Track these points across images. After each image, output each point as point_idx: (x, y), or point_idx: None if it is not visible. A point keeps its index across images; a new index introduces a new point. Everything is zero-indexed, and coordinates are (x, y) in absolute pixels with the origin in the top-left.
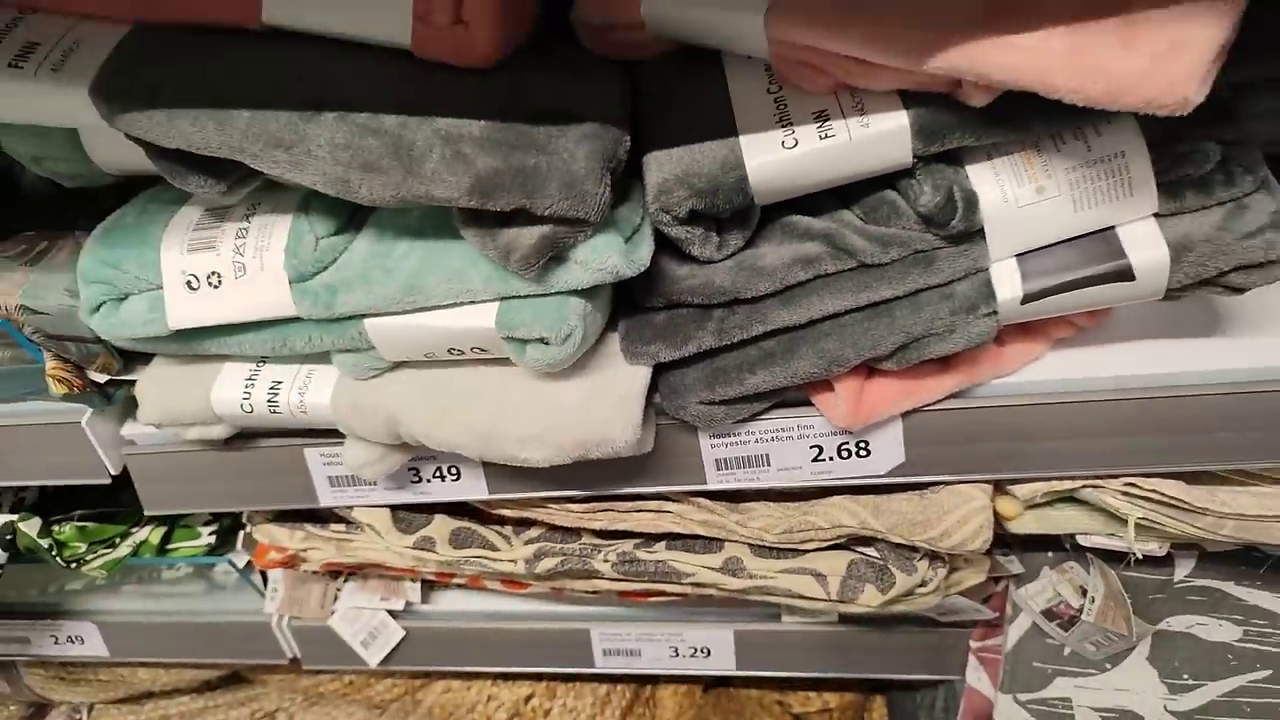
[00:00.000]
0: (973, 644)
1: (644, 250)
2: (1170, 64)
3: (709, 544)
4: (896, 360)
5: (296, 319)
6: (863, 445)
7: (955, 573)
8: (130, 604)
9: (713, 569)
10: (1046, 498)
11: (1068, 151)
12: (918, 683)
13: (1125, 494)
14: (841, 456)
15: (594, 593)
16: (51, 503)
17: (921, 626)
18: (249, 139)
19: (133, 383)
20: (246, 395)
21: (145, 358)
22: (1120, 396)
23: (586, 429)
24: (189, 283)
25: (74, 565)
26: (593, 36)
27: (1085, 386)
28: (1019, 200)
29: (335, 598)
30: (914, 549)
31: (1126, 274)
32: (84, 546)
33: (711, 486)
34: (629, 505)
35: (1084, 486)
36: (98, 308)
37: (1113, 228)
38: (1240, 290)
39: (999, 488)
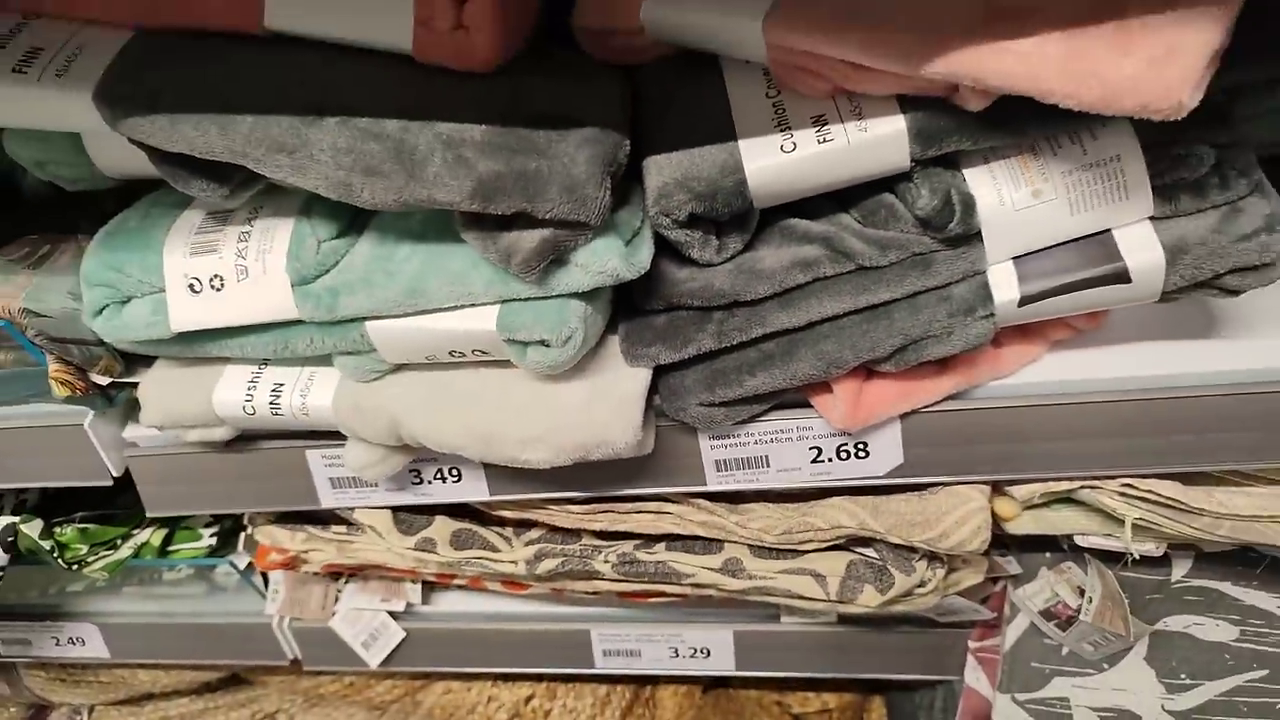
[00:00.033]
0: (971, 644)
1: (644, 253)
2: (1165, 69)
3: (709, 545)
4: (895, 362)
5: (298, 321)
6: (861, 446)
7: (954, 573)
8: (131, 605)
9: (712, 570)
10: (1044, 498)
11: (1064, 155)
12: (916, 683)
13: (1122, 495)
14: (840, 458)
15: (594, 593)
16: (53, 504)
17: (920, 627)
18: (252, 143)
19: (135, 385)
20: (249, 397)
21: (147, 360)
22: (1117, 398)
23: (587, 431)
24: (191, 286)
25: (75, 567)
26: (592, 41)
27: (1082, 388)
28: (1016, 203)
29: (336, 599)
30: (913, 550)
31: (1123, 276)
32: (85, 548)
33: (711, 488)
34: (629, 506)
35: (1081, 487)
36: (101, 310)
37: (1109, 231)
38: (1236, 292)
39: (997, 489)
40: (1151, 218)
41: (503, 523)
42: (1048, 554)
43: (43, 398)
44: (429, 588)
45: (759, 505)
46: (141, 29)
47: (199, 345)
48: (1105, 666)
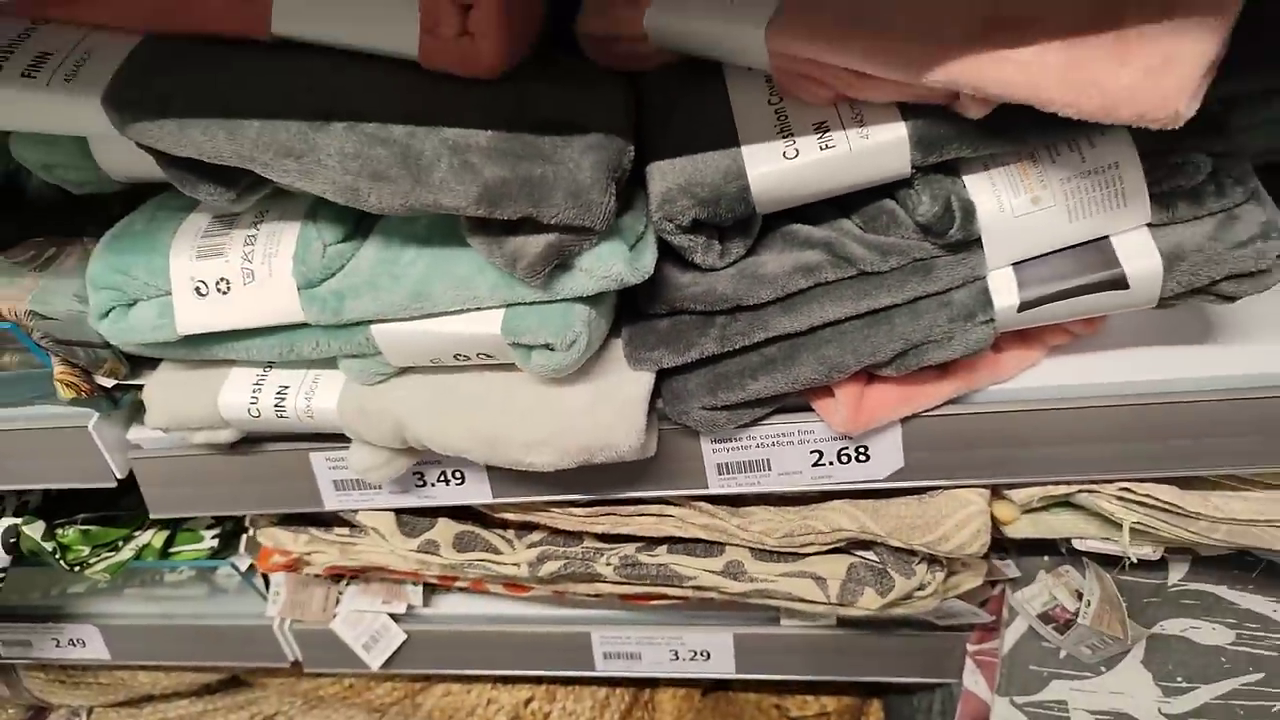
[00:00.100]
0: (970, 647)
1: (648, 258)
2: (1162, 79)
3: (710, 547)
4: (896, 367)
5: (304, 325)
6: (862, 450)
7: (953, 576)
8: (132, 607)
9: (714, 572)
10: (1043, 502)
11: (1062, 163)
12: (915, 686)
13: (1120, 499)
14: (841, 461)
15: (595, 596)
16: (54, 506)
17: (919, 630)
18: (259, 148)
19: (139, 387)
20: (254, 400)
21: (151, 362)
22: (1115, 403)
23: (591, 434)
24: (198, 289)
25: (77, 568)
26: (596, 48)
27: (1081, 393)
28: (1015, 210)
29: (337, 601)
30: (913, 553)
31: (1121, 282)
32: (87, 550)
33: (713, 491)
34: (631, 509)
35: (1079, 491)
36: (107, 313)
37: (1107, 237)
38: (1232, 299)
39: (996, 492)
40: (1149, 225)
41: (505, 525)
42: (1046, 558)
43: (47, 399)
44: (430, 590)
45: (760, 508)
46: (149, 34)
47: (204, 348)
48: (1103, 670)
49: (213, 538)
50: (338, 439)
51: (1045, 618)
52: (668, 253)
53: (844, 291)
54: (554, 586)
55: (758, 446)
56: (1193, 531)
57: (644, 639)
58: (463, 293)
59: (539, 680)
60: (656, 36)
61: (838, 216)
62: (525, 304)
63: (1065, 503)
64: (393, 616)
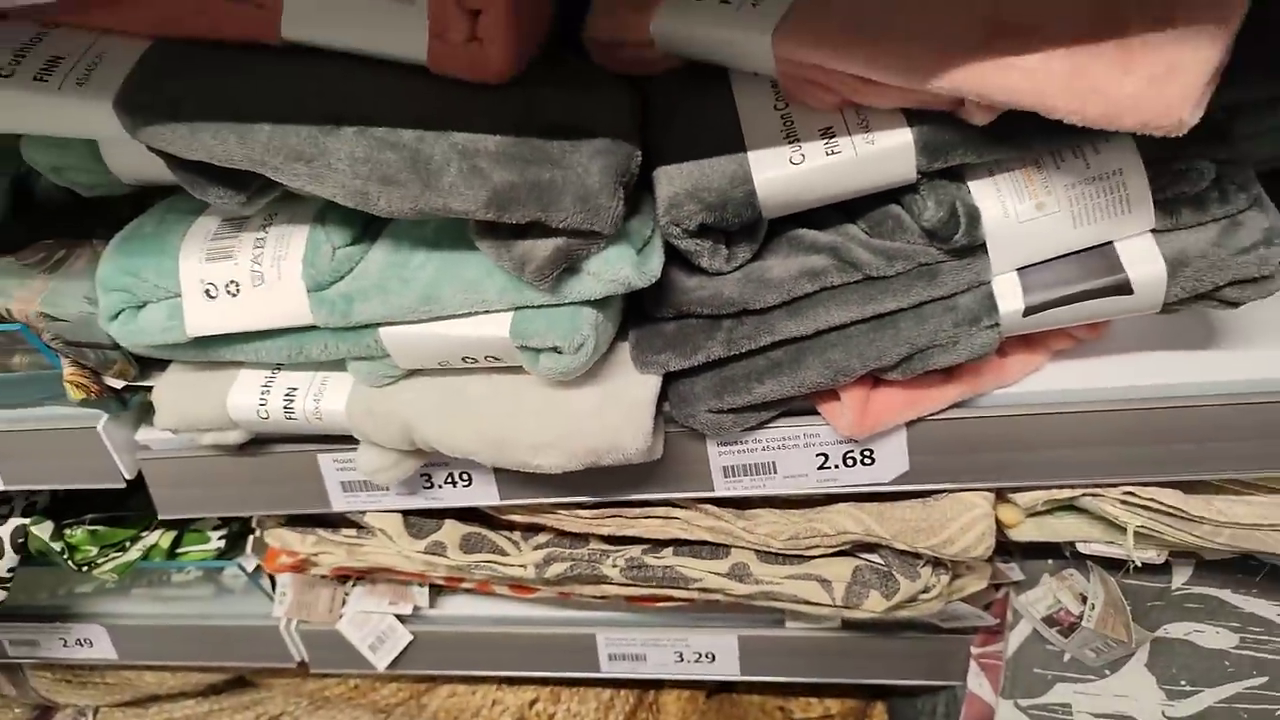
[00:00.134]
0: (974, 650)
1: (654, 262)
2: (1166, 87)
3: (716, 550)
4: (901, 371)
5: (313, 327)
6: (867, 454)
7: (957, 579)
8: (139, 607)
9: (720, 574)
10: (1047, 506)
11: (1067, 169)
12: (918, 689)
13: (1124, 502)
14: (847, 464)
15: (601, 597)
16: (62, 507)
17: (923, 632)
18: (270, 152)
19: (148, 388)
20: (263, 402)
21: (160, 364)
22: (1119, 407)
23: (598, 436)
24: (207, 291)
25: (85, 569)
26: (603, 53)
27: (1085, 397)
28: (1020, 216)
29: (343, 602)
30: (918, 556)
31: (1125, 288)
32: (95, 550)
33: (719, 493)
34: (637, 511)
35: (1084, 495)
36: (117, 315)
37: (1111, 243)
38: (1235, 304)
39: (1001, 496)
40: (1153, 231)
41: (511, 527)
42: (1050, 561)
43: (57, 400)
44: (436, 591)
45: (765, 511)
46: (160, 38)
47: (214, 350)
48: (1107, 673)
49: (220, 539)
50: (345, 440)
51: (1049, 621)
52: (674, 257)
53: (849, 296)
54: (560, 588)
55: (763, 449)
56: (1196, 535)
57: (649, 641)
58: (471, 296)
59: (544, 681)
60: (663, 42)
61: (843, 221)
62: (533, 307)
63: (1069, 506)
64: (399, 617)
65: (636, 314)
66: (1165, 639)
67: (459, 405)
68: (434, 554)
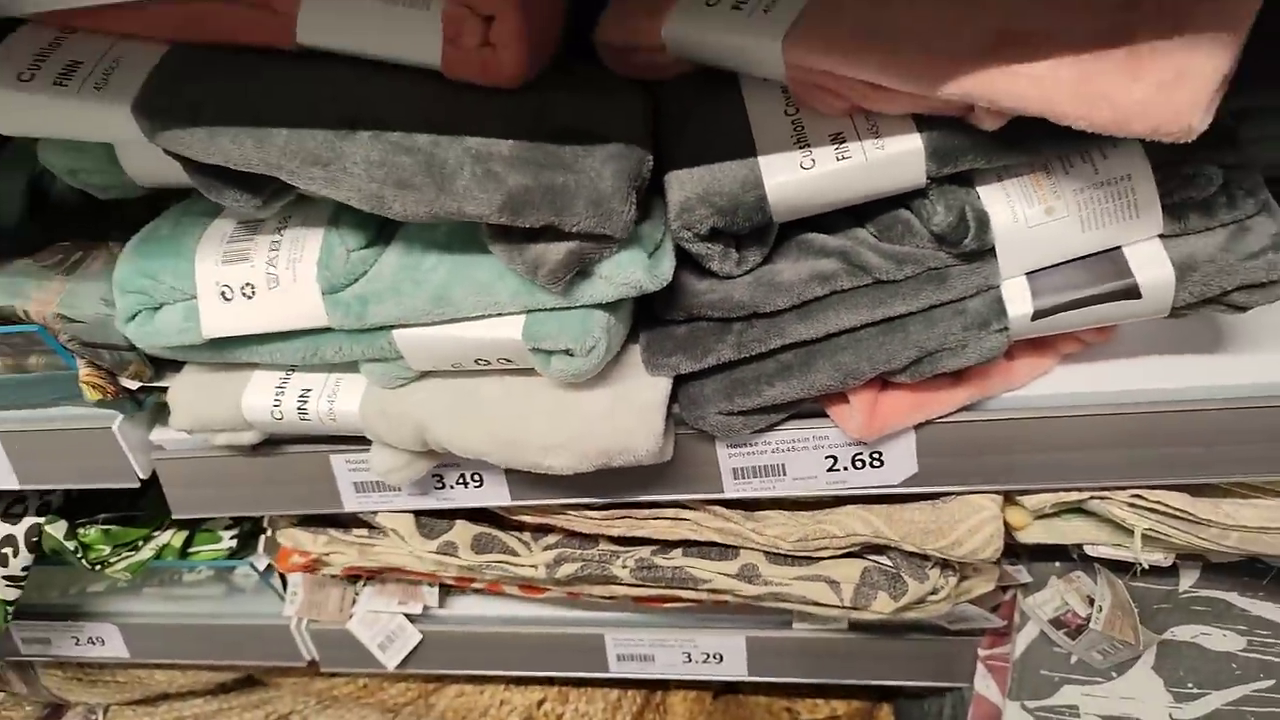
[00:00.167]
0: (981, 652)
1: (666, 265)
2: (1175, 93)
3: (725, 551)
4: (910, 374)
5: (328, 329)
6: (876, 456)
7: (965, 581)
8: (151, 606)
9: (729, 575)
10: (1055, 508)
11: (1075, 174)
12: (925, 690)
13: (1131, 505)
14: (855, 467)
15: (610, 598)
16: (76, 506)
17: (930, 634)
18: (287, 156)
19: (163, 389)
20: (277, 403)
21: (175, 365)
22: (1126, 410)
23: (610, 438)
24: (223, 293)
25: (98, 567)
26: (614, 58)
27: (1092, 400)
28: (1029, 220)
29: (353, 601)
30: (926, 557)
31: (1133, 292)
32: (108, 549)
33: (728, 495)
34: (646, 512)
35: (1091, 498)
36: (133, 317)
37: (1119, 248)
38: (1243, 309)
39: (1008, 498)
40: (1161, 235)
41: (521, 527)
42: (1057, 563)
43: (72, 401)
44: (445, 591)
45: (774, 512)
46: (177, 43)
47: (229, 351)
48: (1114, 675)
49: (231, 538)
50: (358, 441)
51: (1057, 623)
52: (685, 260)
53: (859, 299)
54: (570, 588)
55: (773, 451)
56: (1204, 538)
57: (657, 641)
58: (484, 298)
59: (551, 681)
60: (674, 47)
61: (853, 225)
62: (545, 310)
63: (1077, 509)
64: (408, 617)
65: (647, 317)
66: (1172, 641)
67: (471, 407)
68: (445, 554)
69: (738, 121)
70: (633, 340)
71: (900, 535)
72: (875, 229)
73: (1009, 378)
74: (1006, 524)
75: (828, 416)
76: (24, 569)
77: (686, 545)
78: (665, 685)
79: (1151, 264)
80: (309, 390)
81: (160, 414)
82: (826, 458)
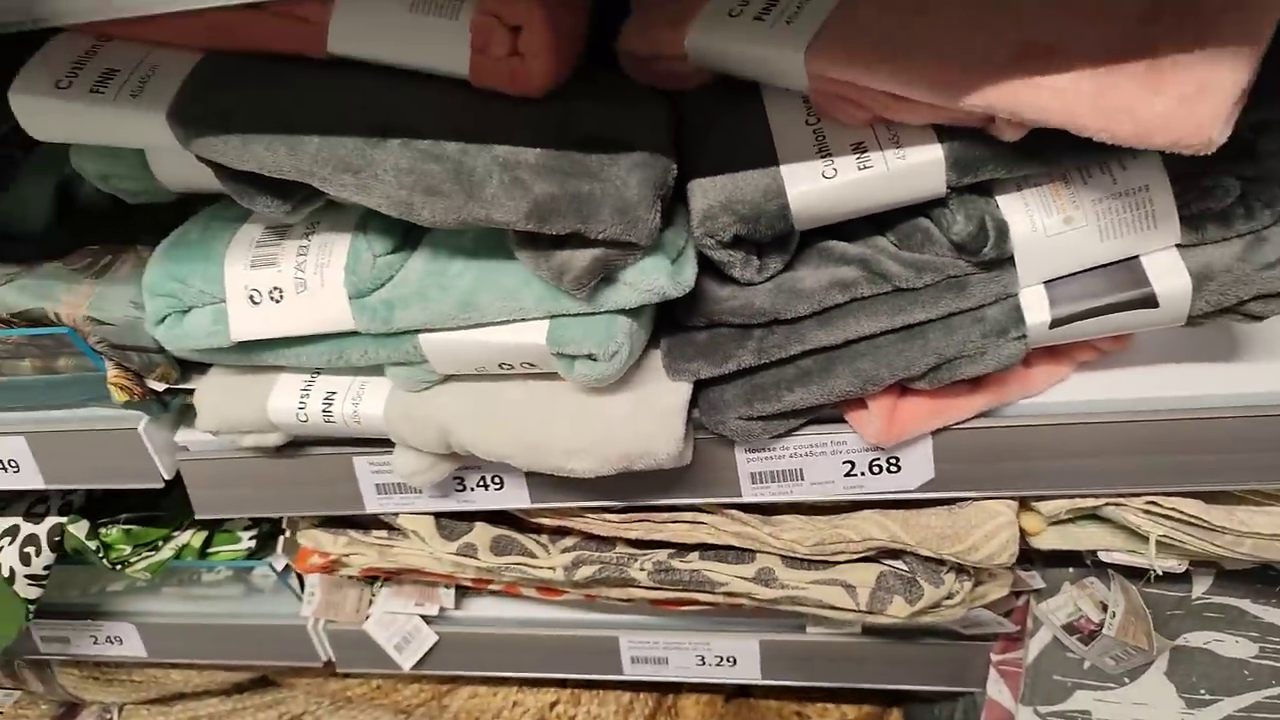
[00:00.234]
0: (994, 656)
1: (688, 272)
2: (1196, 106)
3: (742, 554)
4: (929, 380)
5: (354, 333)
6: (894, 461)
7: (979, 586)
8: (169, 606)
9: (745, 579)
10: (1070, 514)
11: (1094, 184)
12: (935, 695)
13: (1146, 512)
14: (873, 472)
15: (628, 600)
16: (97, 506)
17: (943, 639)
18: (319, 163)
19: (189, 391)
20: (302, 405)
21: (200, 367)
22: (1142, 418)
23: (631, 442)
24: (251, 297)
25: (119, 567)
26: (637, 67)
27: (1109, 408)
28: (1048, 230)
29: (370, 602)
30: (942, 562)
31: (1150, 301)
32: (129, 549)
33: (746, 499)
34: (664, 516)
35: (1106, 504)
36: (163, 319)
37: (1137, 257)
38: (1259, 318)
39: (1024, 504)
40: (1178, 245)
41: (539, 530)
42: (1071, 569)
43: (99, 402)
44: (461, 593)
45: (791, 516)
46: (211, 51)
47: (256, 354)
48: (1126, 681)
49: (250, 539)
50: (380, 444)
51: (1070, 628)
52: (707, 267)
53: (879, 307)
54: (587, 590)
55: (791, 456)
56: (1218, 545)
57: (671, 644)
58: (509, 304)
59: (563, 683)
60: (697, 57)
61: (873, 233)
62: (569, 315)
63: (1092, 515)
64: (425, 618)
65: (669, 322)
66: (1185, 648)
67: (494, 410)
68: (465, 555)
69: (760, 131)
70: (654, 345)
71: (916, 540)
72: (895, 237)
73: (1026, 385)
74: (1021, 530)
75: (846, 422)
76: (46, 568)
77: (704, 549)
78: (677, 688)
79: (1169, 273)
80: (334, 393)
81: (185, 415)
82: (844, 463)
